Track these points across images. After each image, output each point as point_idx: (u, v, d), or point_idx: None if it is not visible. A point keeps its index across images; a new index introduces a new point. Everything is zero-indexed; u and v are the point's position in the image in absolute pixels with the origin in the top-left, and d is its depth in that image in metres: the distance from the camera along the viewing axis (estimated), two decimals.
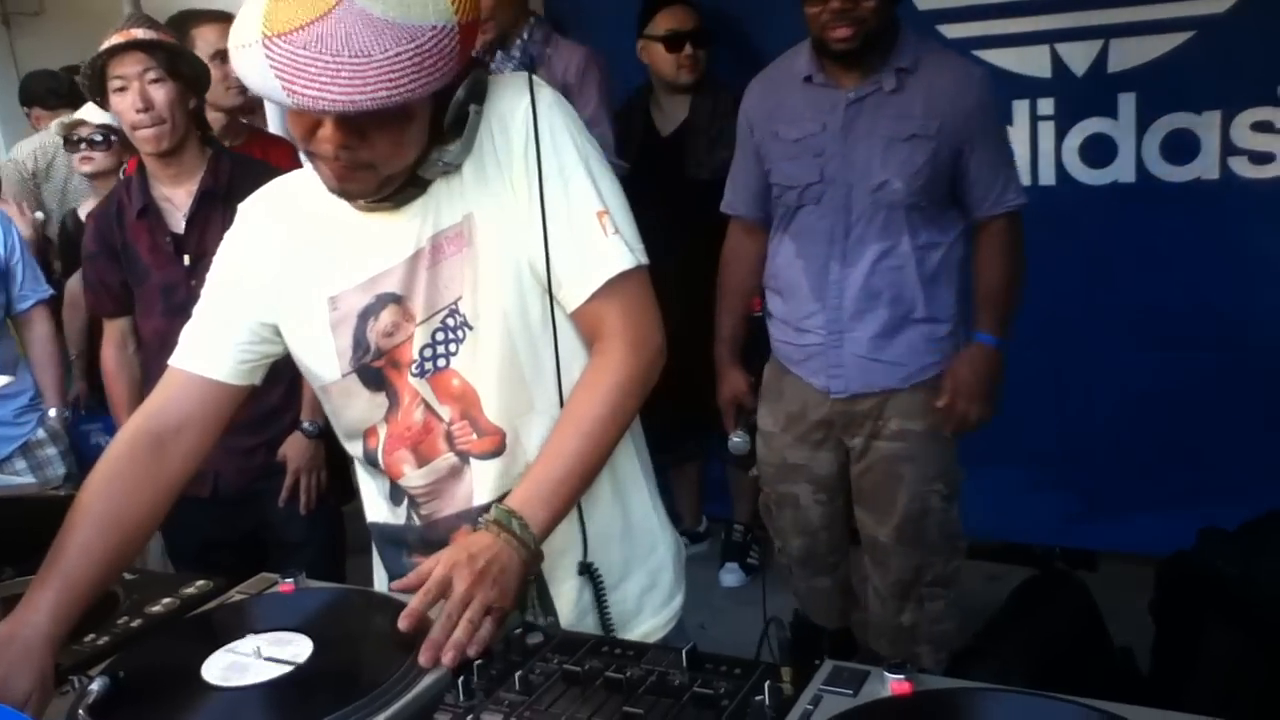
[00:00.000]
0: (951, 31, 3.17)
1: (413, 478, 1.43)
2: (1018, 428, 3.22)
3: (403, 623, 1.18)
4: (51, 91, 4.36)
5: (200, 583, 1.48)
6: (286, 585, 1.40)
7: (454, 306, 1.35)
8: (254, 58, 1.13)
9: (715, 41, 3.37)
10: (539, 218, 1.31)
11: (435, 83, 1.17)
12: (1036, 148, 3.17)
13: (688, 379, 2.57)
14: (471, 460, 1.40)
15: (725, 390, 2.67)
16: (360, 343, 1.39)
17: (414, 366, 1.38)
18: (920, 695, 1.03)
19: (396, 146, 1.25)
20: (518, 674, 1.12)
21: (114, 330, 2.60)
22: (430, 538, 1.44)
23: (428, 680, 1.13)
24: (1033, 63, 3.11)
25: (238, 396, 1.44)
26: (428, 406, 1.40)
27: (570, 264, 1.33)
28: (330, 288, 1.39)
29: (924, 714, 1.02)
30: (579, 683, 1.12)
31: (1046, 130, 3.14)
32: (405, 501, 1.47)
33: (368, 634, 1.24)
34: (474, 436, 1.39)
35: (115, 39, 2.34)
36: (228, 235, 1.48)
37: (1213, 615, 2.49)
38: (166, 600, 1.43)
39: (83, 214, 3.64)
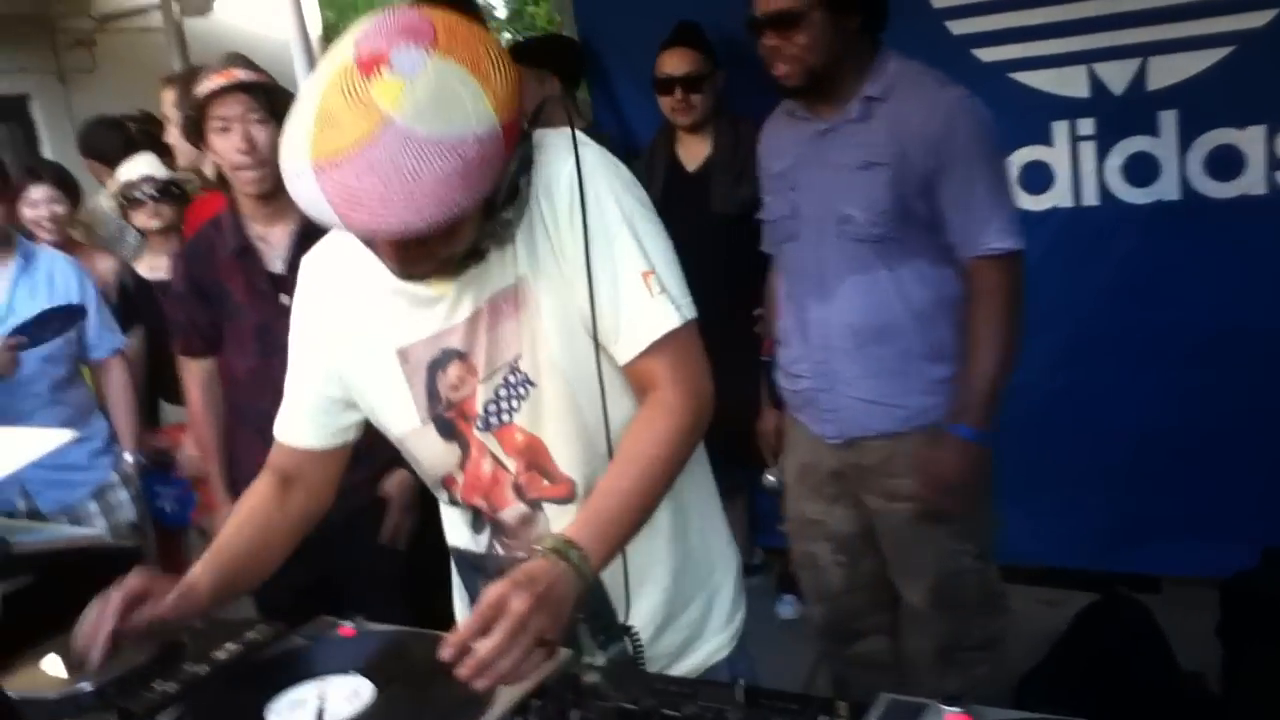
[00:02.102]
0: (987, 55, 3.17)
1: (497, 515, 1.49)
2: (1070, 450, 3.19)
3: (445, 651, 1.12)
4: (111, 144, 4.25)
5: (263, 627, 1.50)
6: (347, 629, 1.43)
7: (514, 364, 1.39)
8: (307, 185, 1.16)
9: (731, 73, 3.36)
10: (586, 279, 1.34)
11: (484, 190, 1.20)
12: (1078, 168, 3.14)
13: (725, 413, 2.57)
14: (545, 505, 1.45)
15: (762, 422, 2.62)
16: (433, 393, 1.44)
17: (479, 421, 1.43)
18: None
19: (452, 240, 1.27)
20: (574, 713, 1.13)
21: (200, 370, 2.57)
22: (508, 569, 1.46)
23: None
24: (1070, 83, 3.08)
25: (335, 455, 1.55)
26: (495, 459, 1.45)
27: (618, 324, 1.35)
28: (398, 341, 1.43)
29: None
30: None
31: (1087, 150, 3.11)
32: (487, 531, 1.52)
33: (428, 676, 1.25)
34: (546, 483, 1.44)
35: (218, 80, 2.33)
36: (295, 301, 1.54)
37: None
38: (231, 646, 1.46)
39: (142, 271, 3.67)
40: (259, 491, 1.54)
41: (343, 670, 1.29)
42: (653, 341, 1.35)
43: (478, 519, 1.53)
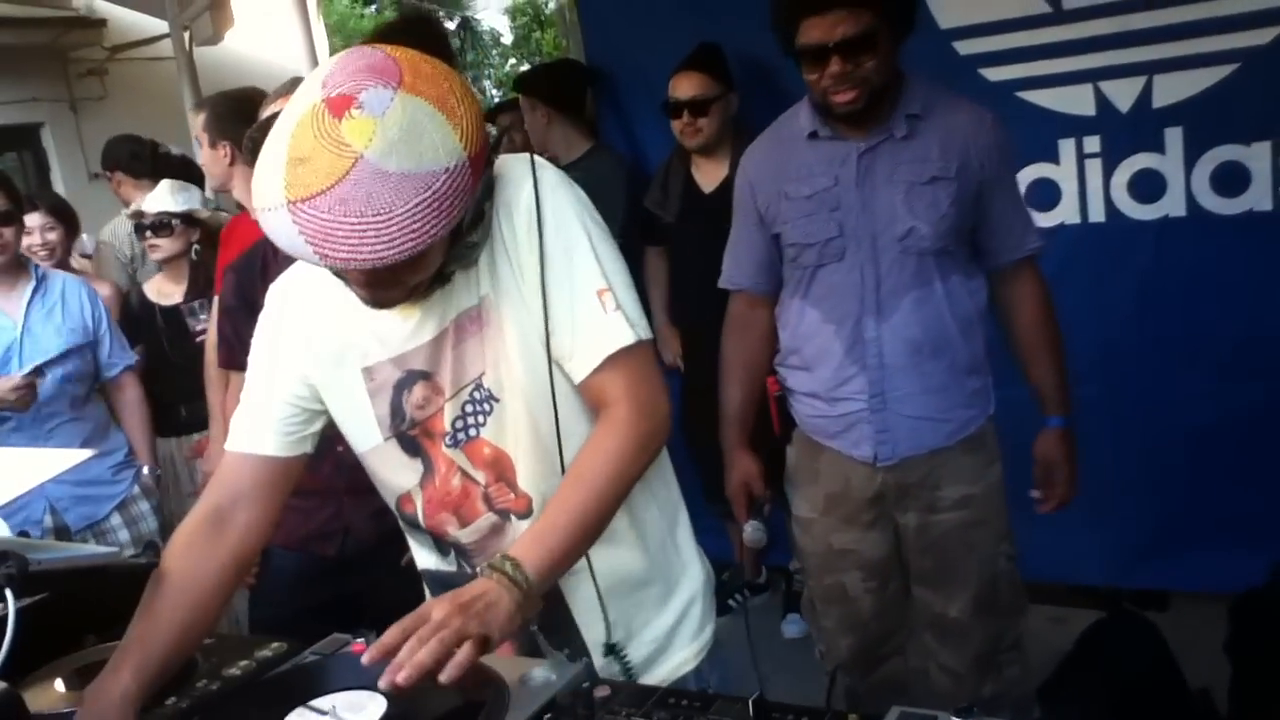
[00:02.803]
0: (993, 74, 3.19)
1: (458, 536, 1.50)
2: (1079, 466, 3.19)
3: (366, 656, 1.18)
4: (134, 156, 4.34)
5: (275, 645, 1.51)
6: (358, 645, 1.44)
7: (478, 381, 1.42)
8: (281, 221, 1.18)
9: (746, 95, 3.42)
10: (542, 297, 1.37)
11: (454, 219, 1.22)
12: (1084, 185, 3.16)
13: None
14: (512, 517, 1.47)
15: (735, 476, 2.46)
16: (397, 412, 1.46)
17: (447, 438, 1.45)
18: None
19: (421, 268, 1.30)
20: None
21: (240, 383, 2.62)
22: None
23: None
24: (1076, 101, 3.10)
25: (289, 468, 1.50)
26: (464, 473, 1.47)
27: (574, 340, 1.38)
28: (364, 360, 1.45)
29: None
30: None
31: (1094, 167, 3.13)
32: (453, 552, 1.53)
33: (440, 692, 1.26)
34: (511, 496, 1.46)
35: (280, 105, 2.34)
36: (261, 318, 1.55)
37: None
38: (243, 663, 1.46)
39: (150, 293, 3.72)
40: (185, 549, 1.44)
41: (355, 686, 1.29)
42: (606, 357, 1.37)
43: (440, 543, 1.54)
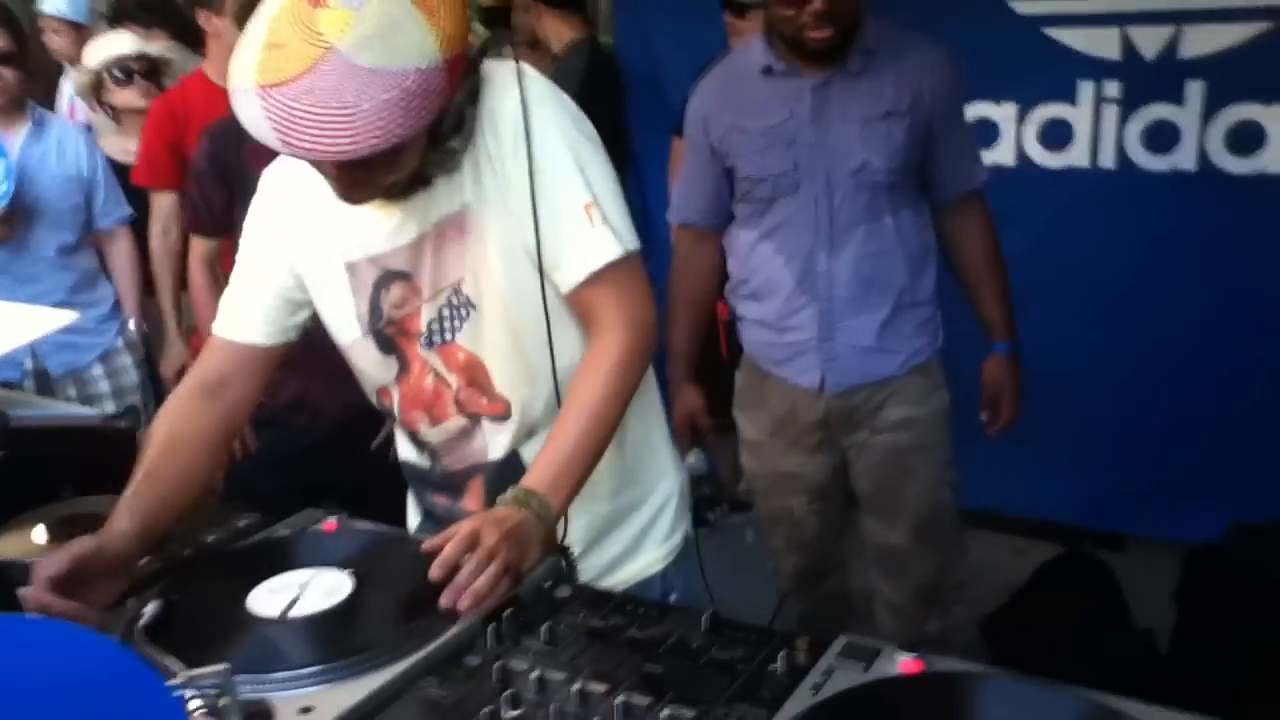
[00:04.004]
0: (1022, 7, 3.13)
1: (428, 434, 1.54)
2: (1057, 405, 3.22)
3: (434, 572, 1.22)
4: (142, 6, 4.00)
5: (249, 515, 1.54)
6: (330, 524, 1.47)
7: (456, 287, 1.43)
8: (250, 104, 1.18)
9: None
10: (530, 209, 1.37)
11: (423, 121, 1.22)
12: (1099, 130, 3.13)
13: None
14: (483, 420, 1.50)
15: (679, 409, 2.48)
16: (376, 309, 1.48)
17: (423, 338, 1.47)
18: (928, 675, 1.06)
19: (394, 168, 1.30)
20: (545, 625, 1.17)
21: (205, 249, 2.63)
22: (449, 483, 1.56)
23: (461, 624, 1.18)
24: (1102, 44, 3.05)
25: (274, 354, 1.53)
26: (437, 374, 1.49)
27: (561, 253, 1.39)
28: (347, 255, 1.46)
29: (929, 694, 1.05)
30: (602, 638, 1.16)
31: (1110, 113, 3.10)
32: (427, 450, 1.57)
33: (407, 575, 1.29)
34: (484, 401, 1.48)
35: None
36: (253, 203, 1.54)
37: (1242, 611, 2.51)
38: (217, 530, 1.50)
39: (113, 153, 3.43)
40: (179, 411, 1.47)
41: (324, 563, 1.32)
42: (592, 272, 1.38)
43: (414, 439, 1.58)
